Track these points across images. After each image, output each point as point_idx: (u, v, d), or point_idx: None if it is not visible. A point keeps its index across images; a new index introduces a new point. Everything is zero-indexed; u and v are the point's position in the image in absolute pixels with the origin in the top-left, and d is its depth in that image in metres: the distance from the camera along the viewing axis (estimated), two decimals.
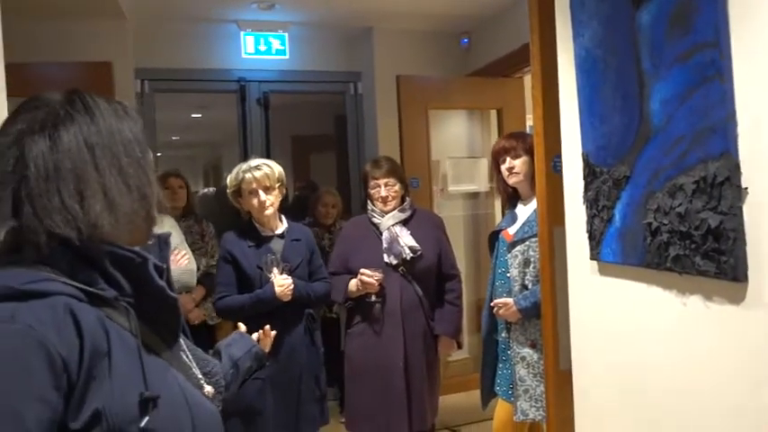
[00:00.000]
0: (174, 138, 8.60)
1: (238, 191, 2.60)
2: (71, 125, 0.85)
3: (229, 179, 2.64)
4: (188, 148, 8.28)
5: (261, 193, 2.54)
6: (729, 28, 1.23)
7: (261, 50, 4.18)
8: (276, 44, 4.20)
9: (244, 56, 4.17)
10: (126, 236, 0.87)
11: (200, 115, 7.34)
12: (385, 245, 2.73)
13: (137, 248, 0.86)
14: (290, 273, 2.56)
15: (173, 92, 4.53)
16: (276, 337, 2.43)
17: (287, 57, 4.24)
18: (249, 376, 1.33)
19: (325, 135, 6.27)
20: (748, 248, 1.21)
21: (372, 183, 2.80)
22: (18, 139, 0.83)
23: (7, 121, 0.86)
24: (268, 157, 4.36)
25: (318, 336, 2.68)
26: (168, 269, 0.93)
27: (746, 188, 1.21)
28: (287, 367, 2.49)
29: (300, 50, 4.31)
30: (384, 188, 2.77)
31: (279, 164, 2.68)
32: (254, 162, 2.60)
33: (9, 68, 1.82)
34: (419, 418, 2.74)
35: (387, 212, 2.78)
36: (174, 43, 4.11)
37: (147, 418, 0.78)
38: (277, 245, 2.62)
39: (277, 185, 2.59)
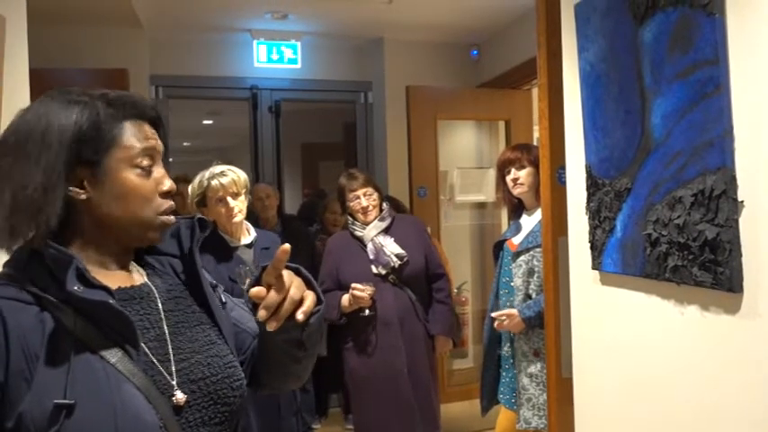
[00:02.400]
0: (185, 144, 8.69)
1: (203, 200, 2.49)
2: (8, 131, 0.90)
3: (191, 188, 2.52)
4: (199, 154, 8.37)
5: (229, 199, 2.43)
6: (728, 46, 1.27)
7: (273, 59, 4.25)
8: (288, 53, 4.27)
9: (256, 64, 4.25)
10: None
11: (211, 122, 7.42)
12: (371, 256, 2.74)
13: (66, 251, 0.86)
14: None
15: (186, 98, 4.61)
16: None
17: (299, 66, 4.31)
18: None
19: (334, 143, 6.33)
20: (744, 260, 1.24)
21: (351, 195, 2.79)
22: None
23: None
24: (278, 164, 4.45)
25: None
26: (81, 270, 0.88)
27: (742, 201, 1.24)
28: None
29: (312, 60, 4.38)
30: (364, 198, 2.77)
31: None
32: (217, 168, 2.48)
33: (30, 74, 1.90)
34: (430, 421, 2.77)
35: (368, 223, 2.78)
36: (189, 51, 4.19)
37: (56, 427, 0.78)
38: (246, 255, 2.52)
39: (243, 191, 2.49)
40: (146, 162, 0.94)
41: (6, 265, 0.88)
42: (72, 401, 0.79)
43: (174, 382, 0.92)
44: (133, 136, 0.93)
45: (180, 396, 0.91)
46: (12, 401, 0.78)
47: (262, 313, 0.89)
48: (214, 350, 1.00)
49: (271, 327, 0.90)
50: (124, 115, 0.93)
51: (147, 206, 0.94)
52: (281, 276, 0.91)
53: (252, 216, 3.54)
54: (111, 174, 0.91)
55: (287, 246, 0.92)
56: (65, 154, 0.87)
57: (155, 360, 0.91)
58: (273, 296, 0.89)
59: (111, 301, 0.86)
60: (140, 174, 0.93)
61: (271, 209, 3.72)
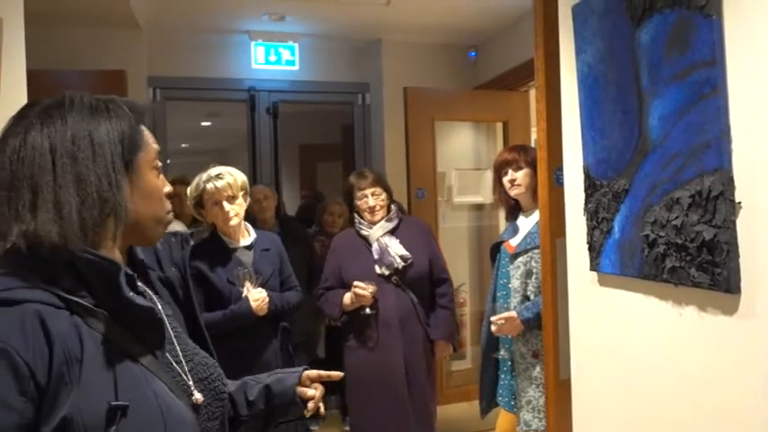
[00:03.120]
0: (183, 145, 8.68)
1: (200, 202, 2.48)
2: (40, 131, 0.86)
3: (189, 190, 2.51)
4: (197, 155, 8.36)
5: (224, 203, 2.41)
6: (725, 48, 1.27)
7: (271, 60, 4.25)
8: (286, 55, 4.27)
9: (254, 66, 4.25)
10: (76, 242, 0.84)
11: (209, 123, 7.42)
12: (376, 256, 2.74)
13: (108, 257, 0.87)
14: (263, 285, 2.48)
15: (184, 100, 4.60)
16: (251, 355, 2.37)
17: (296, 67, 4.31)
18: (282, 421, 1.23)
19: (332, 144, 6.33)
20: (741, 261, 1.24)
21: (359, 194, 2.80)
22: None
23: (6, 126, 0.90)
24: (276, 165, 4.45)
25: (290, 350, 2.58)
26: (132, 277, 0.91)
27: (740, 202, 1.24)
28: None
29: (310, 61, 4.38)
30: (371, 198, 2.78)
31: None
32: (214, 171, 2.47)
33: (28, 75, 1.89)
34: (425, 423, 2.77)
35: (375, 223, 2.78)
36: (187, 52, 4.19)
37: (113, 428, 0.79)
38: (246, 256, 2.51)
39: (241, 194, 2.47)
40: (159, 164, 0.99)
41: (15, 266, 0.84)
42: (126, 403, 0.81)
43: (191, 383, 0.98)
44: (149, 139, 0.98)
45: (198, 396, 0.98)
46: (52, 406, 0.77)
47: (312, 406, 1.18)
48: (202, 352, 1.08)
49: (309, 413, 1.19)
50: (139, 120, 0.98)
51: (162, 205, 1.00)
52: (317, 379, 1.23)
53: (249, 218, 3.55)
54: (140, 174, 0.95)
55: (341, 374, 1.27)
56: (117, 152, 0.90)
57: (173, 362, 0.97)
58: (321, 393, 1.21)
59: (154, 307, 0.91)
60: (156, 175, 0.98)
61: (268, 210, 3.72)
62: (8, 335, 0.76)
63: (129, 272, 0.90)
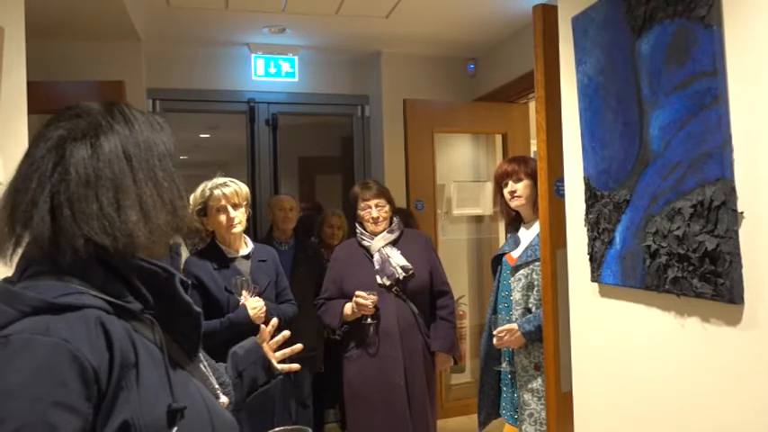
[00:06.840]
0: (182, 157, 8.69)
1: (204, 209, 2.53)
2: (111, 135, 0.86)
3: (193, 197, 2.54)
4: (196, 167, 8.36)
5: (230, 209, 2.48)
6: (726, 58, 1.27)
7: (271, 73, 4.26)
8: (286, 67, 4.28)
9: (254, 78, 4.26)
10: (155, 248, 0.88)
11: (208, 135, 7.43)
12: (377, 267, 2.75)
13: (160, 263, 0.88)
14: (260, 294, 2.50)
15: (183, 112, 4.60)
16: None
17: (296, 79, 4.32)
18: (258, 388, 1.35)
19: (331, 157, 6.33)
20: (744, 271, 1.24)
21: (363, 204, 2.82)
22: (58, 145, 0.83)
23: (46, 127, 0.87)
24: (275, 177, 4.45)
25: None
26: (186, 283, 0.94)
27: (742, 212, 1.24)
28: (261, 396, 2.44)
29: (309, 73, 4.39)
30: (375, 209, 2.80)
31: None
32: (220, 179, 2.54)
33: (28, 87, 1.89)
34: None
35: (377, 234, 2.80)
36: (186, 64, 4.21)
37: (175, 429, 0.81)
38: (243, 266, 2.55)
39: (244, 203, 2.54)
40: None
41: (51, 270, 0.82)
42: (184, 405, 0.83)
43: (217, 386, 1.03)
44: None
45: (224, 399, 1.03)
46: (109, 411, 0.78)
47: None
48: (213, 361, 1.12)
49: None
50: None
51: None
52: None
53: (251, 226, 3.54)
54: None
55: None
56: (173, 163, 0.93)
57: (201, 366, 1.01)
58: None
59: (201, 312, 0.94)
60: None
61: (291, 221, 3.74)
62: (78, 340, 0.76)
63: (183, 278, 0.91)
